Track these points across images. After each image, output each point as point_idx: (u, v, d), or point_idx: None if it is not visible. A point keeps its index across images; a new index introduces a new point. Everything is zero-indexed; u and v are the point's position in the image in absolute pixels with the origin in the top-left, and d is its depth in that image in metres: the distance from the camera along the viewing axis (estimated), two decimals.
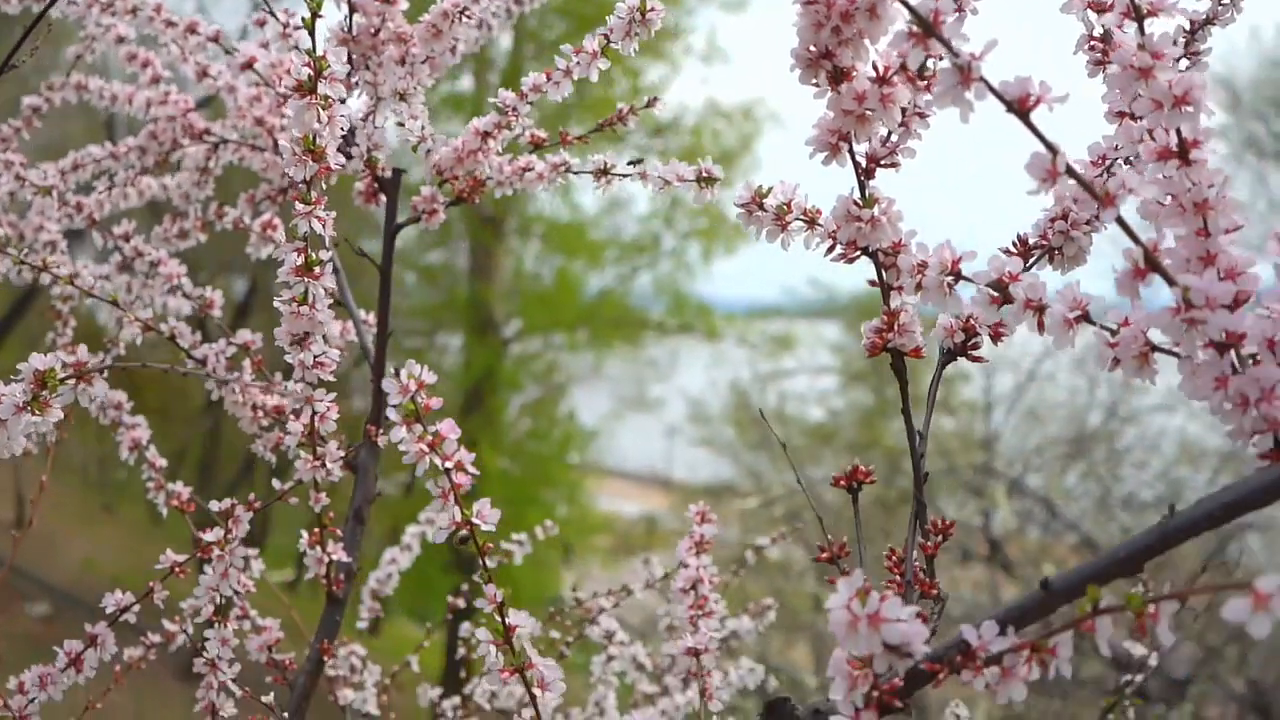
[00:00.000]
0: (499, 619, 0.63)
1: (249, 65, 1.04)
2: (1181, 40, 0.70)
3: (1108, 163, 0.67)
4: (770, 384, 9.91)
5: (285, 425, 0.97)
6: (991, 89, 0.49)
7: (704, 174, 0.83)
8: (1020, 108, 0.50)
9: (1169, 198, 0.53)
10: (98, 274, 1.17)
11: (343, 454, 0.89)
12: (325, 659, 0.97)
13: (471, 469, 0.61)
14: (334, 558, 0.95)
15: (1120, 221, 0.50)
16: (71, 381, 0.66)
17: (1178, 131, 0.52)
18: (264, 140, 1.14)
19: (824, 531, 0.70)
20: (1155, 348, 0.53)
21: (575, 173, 0.96)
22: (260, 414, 1.00)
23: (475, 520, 0.62)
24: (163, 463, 1.09)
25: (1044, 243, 0.66)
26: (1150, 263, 0.50)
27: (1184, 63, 0.71)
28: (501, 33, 1.02)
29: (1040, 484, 7.08)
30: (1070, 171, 0.49)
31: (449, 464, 0.61)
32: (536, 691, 0.63)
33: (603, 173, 0.94)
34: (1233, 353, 0.52)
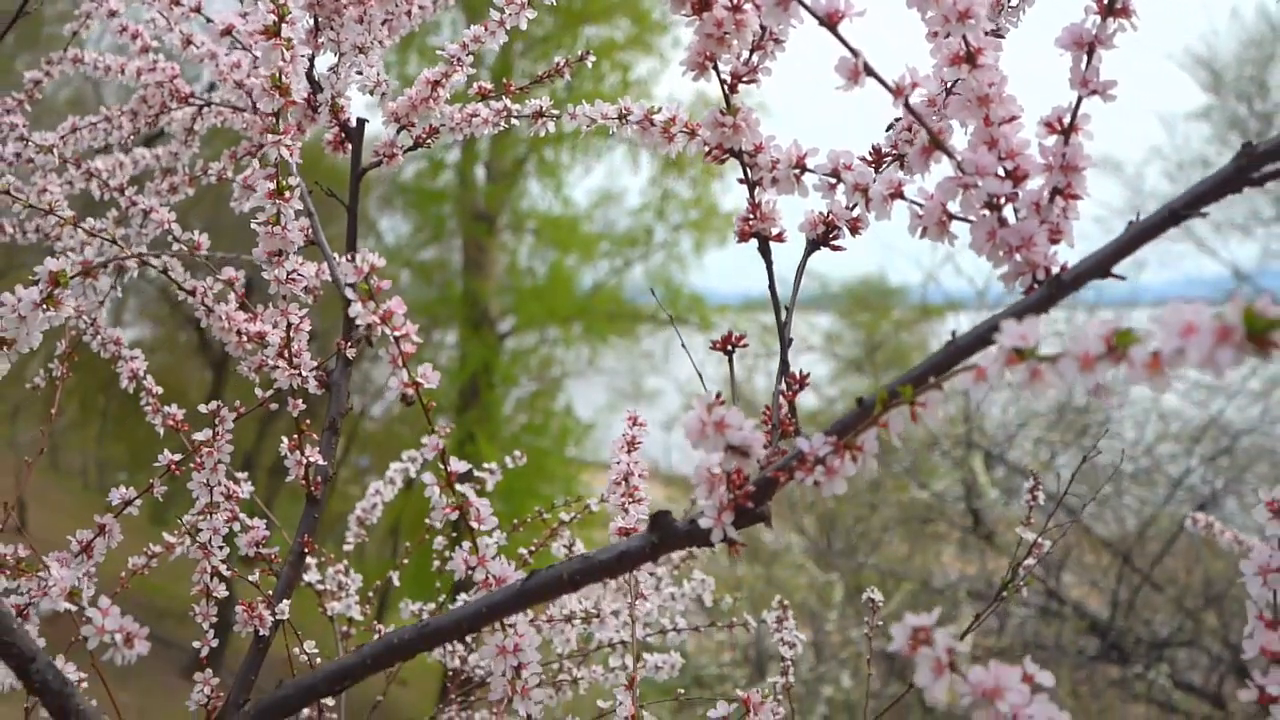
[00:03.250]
0: (441, 466, 0.76)
1: (228, 32, 1.17)
2: None
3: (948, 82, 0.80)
4: (759, 367, 10.03)
5: (265, 345, 1.10)
6: (806, 7, 0.62)
7: (624, 112, 0.96)
8: (830, 21, 0.63)
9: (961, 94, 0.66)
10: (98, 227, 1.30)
11: (316, 364, 1.02)
12: (306, 552, 1.10)
13: (416, 338, 0.74)
14: (312, 461, 1.08)
15: (909, 109, 0.64)
16: (80, 277, 0.79)
17: (964, 40, 0.65)
18: (244, 101, 1.27)
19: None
20: (952, 215, 0.66)
21: (516, 117, 1.09)
22: (244, 339, 1.13)
23: (420, 380, 0.75)
24: (159, 390, 1.22)
25: (894, 150, 0.79)
26: (935, 143, 0.64)
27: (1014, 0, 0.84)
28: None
29: (1025, 458, 7.23)
30: (869, 70, 0.62)
31: (398, 334, 0.74)
32: (474, 524, 0.76)
33: (539, 115, 1.07)
34: (1011, 213, 0.65)
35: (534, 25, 1.09)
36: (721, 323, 11.35)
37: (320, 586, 1.40)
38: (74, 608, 0.75)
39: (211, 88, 1.43)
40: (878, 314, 11.09)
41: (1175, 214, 0.58)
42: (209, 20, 1.20)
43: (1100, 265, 0.59)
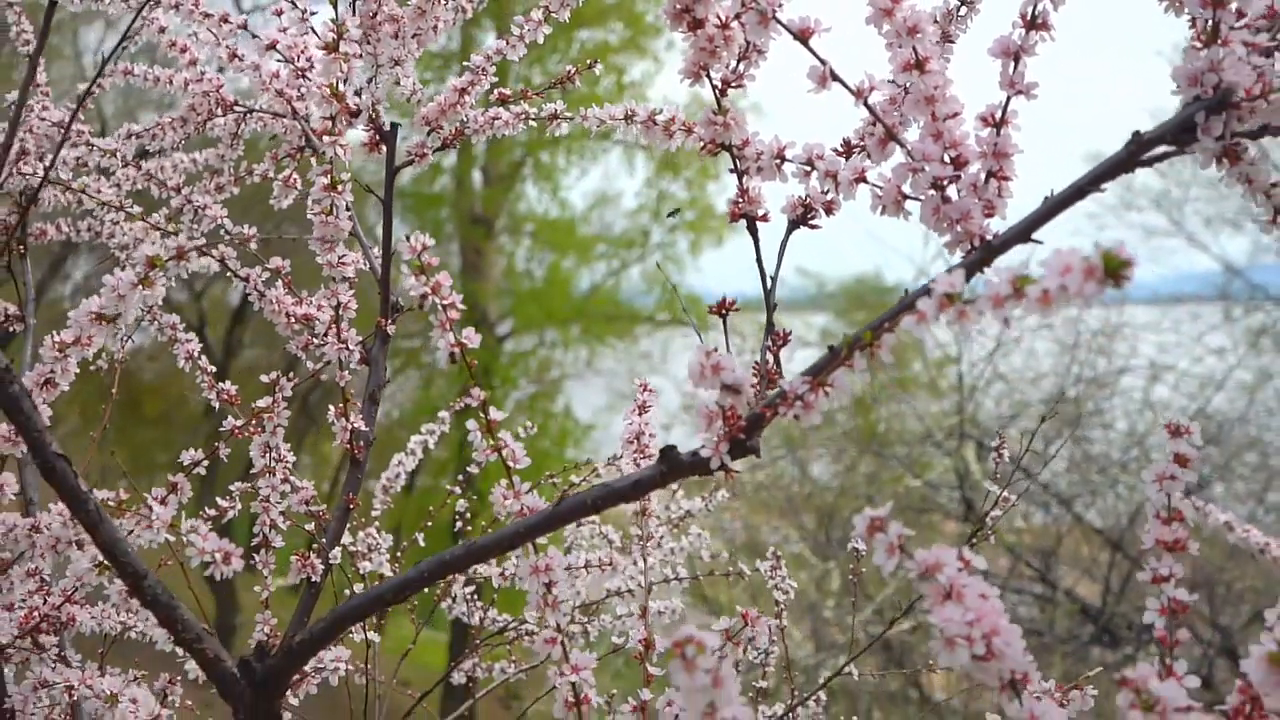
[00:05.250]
0: (483, 416, 0.90)
1: (272, 46, 1.31)
2: None
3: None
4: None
5: (312, 328, 1.24)
6: (783, 25, 0.76)
7: (629, 113, 1.10)
8: (803, 37, 0.77)
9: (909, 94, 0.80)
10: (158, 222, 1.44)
11: (361, 339, 1.16)
12: (351, 508, 1.24)
13: (460, 305, 0.88)
14: (355, 427, 1.22)
15: (868, 108, 0.78)
16: (174, 261, 0.93)
17: (914, 50, 0.79)
18: (284, 108, 1.40)
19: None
20: (905, 195, 0.80)
21: (533, 120, 1.23)
22: (291, 320, 1.27)
23: (464, 340, 0.89)
24: (213, 369, 1.36)
25: (861, 143, 0.93)
26: (889, 135, 0.77)
27: (964, 9, 0.97)
28: (486, 34, 1.28)
29: (1017, 449, 7.37)
30: (834, 76, 0.76)
31: (445, 302, 0.87)
32: (510, 463, 0.90)
33: (553, 117, 1.21)
34: (954, 192, 0.79)
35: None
36: (719, 322, 11.46)
37: (353, 548, 1.53)
38: (173, 538, 0.88)
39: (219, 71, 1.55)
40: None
41: (1081, 190, 0.72)
42: (255, 36, 1.33)
43: (1022, 233, 0.73)
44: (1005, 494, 1.39)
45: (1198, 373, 8.19)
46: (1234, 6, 0.70)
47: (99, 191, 1.52)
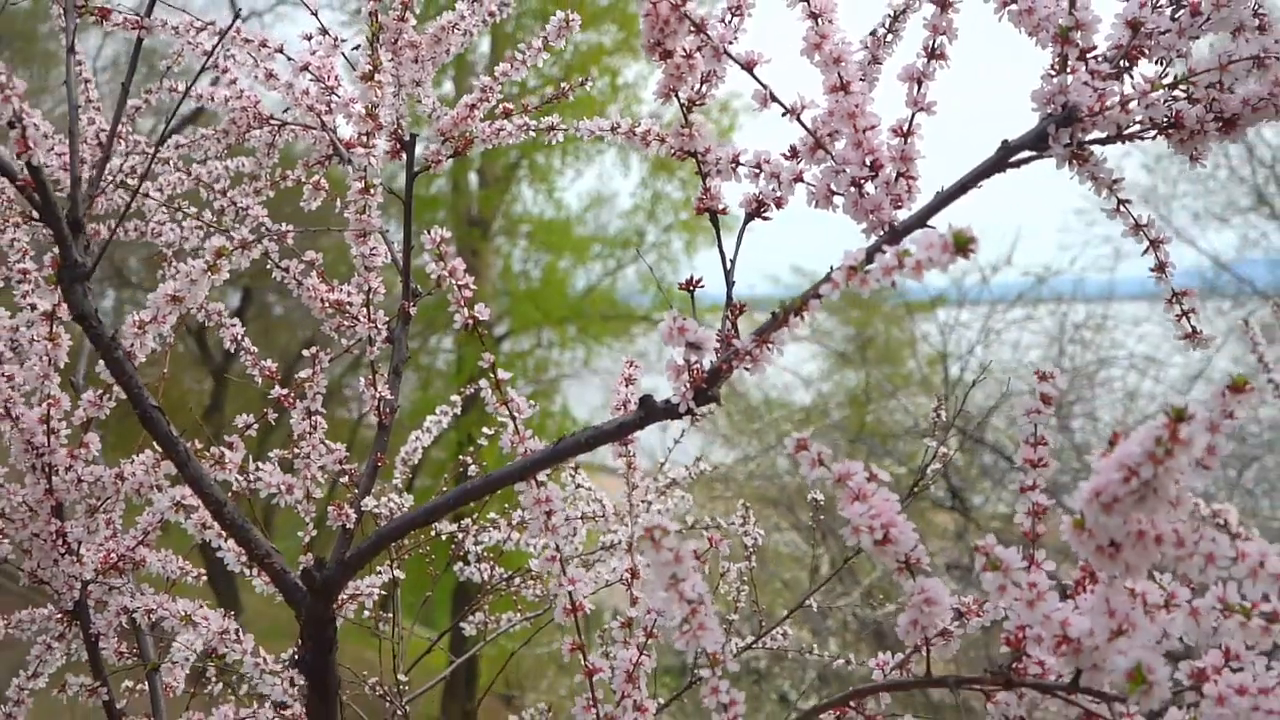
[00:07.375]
0: (492, 375, 1.10)
1: (305, 67, 1.50)
2: (888, 20, 1.16)
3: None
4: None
5: (344, 310, 1.44)
6: (732, 58, 0.96)
7: (615, 125, 1.30)
8: (748, 66, 0.96)
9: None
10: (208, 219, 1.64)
11: (388, 319, 1.36)
12: (379, 467, 1.44)
13: (472, 285, 1.08)
14: (383, 396, 1.42)
15: (800, 122, 0.97)
16: (239, 250, 1.13)
17: (839, 74, 0.99)
18: (314, 121, 1.60)
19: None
20: (833, 191, 1.00)
21: (534, 130, 1.42)
22: (325, 304, 1.47)
23: (477, 314, 1.08)
24: (255, 350, 1.56)
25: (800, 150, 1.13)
26: (818, 144, 0.97)
27: (890, 36, 1.17)
28: (480, 38, 1.48)
29: (1003, 440, 7.60)
30: (773, 97, 0.96)
31: (460, 283, 1.07)
32: (517, 414, 1.10)
33: (551, 128, 1.40)
34: (870, 188, 0.99)
35: (523, 30, 1.42)
36: (714, 320, 11.68)
37: (377, 510, 1.73)
38: (241, 478, 1.08)
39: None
40: (865, 308, 11.40)
41: (964, 186, 0.92)
42: (290, 59, 1.53)
43: (919, 220, 0.93)
44: (945, 449, 1.58)
45: (1180, 363, 8.41)
46: (1079, 43, 0.90)
47: (146, 195, 1.71)
